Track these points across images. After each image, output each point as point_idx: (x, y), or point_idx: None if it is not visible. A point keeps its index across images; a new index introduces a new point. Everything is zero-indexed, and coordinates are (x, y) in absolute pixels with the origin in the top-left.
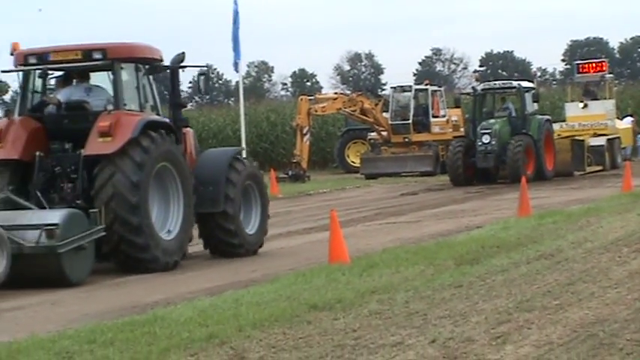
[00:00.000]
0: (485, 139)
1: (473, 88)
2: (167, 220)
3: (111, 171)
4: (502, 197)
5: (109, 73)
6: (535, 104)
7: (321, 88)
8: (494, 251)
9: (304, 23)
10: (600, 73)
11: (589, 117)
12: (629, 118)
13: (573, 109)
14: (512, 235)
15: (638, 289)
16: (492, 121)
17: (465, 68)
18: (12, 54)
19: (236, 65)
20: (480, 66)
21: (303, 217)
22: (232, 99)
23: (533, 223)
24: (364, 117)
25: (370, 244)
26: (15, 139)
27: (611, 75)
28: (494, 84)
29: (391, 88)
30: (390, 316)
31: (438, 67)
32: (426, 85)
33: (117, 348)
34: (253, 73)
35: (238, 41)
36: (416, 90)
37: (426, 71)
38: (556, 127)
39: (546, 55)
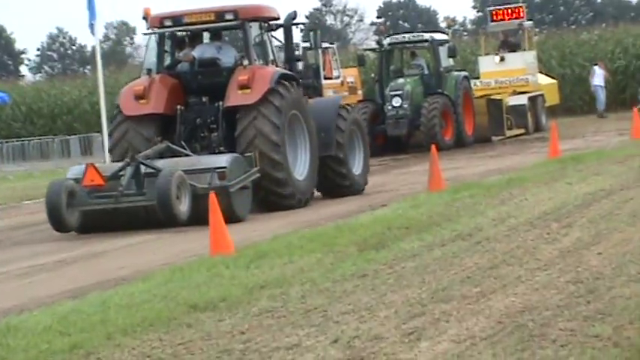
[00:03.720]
0: (396, 102)
1: (378, 42)
2: (296, 163)
3: (253, 115)
4: (410, 169)
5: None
6: (450, 59)
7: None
8: (403, 233)
9: None
10: (518, 21)
11: (507, 72)
12: (598, 70)
13: (488, 64)
14: (423, 214)
15: (570, 270)
16: (402, 80)
17: (361, 20)
18: (144, 18)
19: (91, 27)
20: (378, 17)
21: None
22: (88, 67)
23: (446, 198)
24: None
25: (257, 230)
26: (157, 95)
27: (530, 22)
28: (403, 37)
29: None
30: (284, 315)
31: (329, 20)
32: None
33: None
34: (112, 36)
35: None
36: (303, 48)
37: (316, 25)
38: None
39: (454, 2)
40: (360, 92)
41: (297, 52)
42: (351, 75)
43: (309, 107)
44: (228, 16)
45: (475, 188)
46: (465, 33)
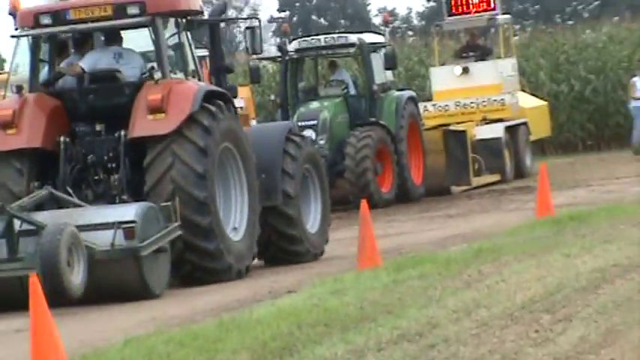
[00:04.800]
0: (307, 135)
1: (280, 48)
2: (230, 218)
3: (168, 161)
4: (330, 236)
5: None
6: (389, 72)
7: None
8: (321, 333)
9: None
10: (488, 14)
11: (473, 90)
12: (637, 79)
13: (445, 79)
14: (349, 304)
15: None
16: (316, 104)
17: (254, 16)
18: (11, 14)
19: None
20: (280, 10)
21: None
22: None
23: (385, 279)
24: None
25: (103, 330)
26: (32, 123)
27: (507, 16)
28: (318, 39)
29: (11, 63)
30: None
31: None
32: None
33: None
34: None
35: None
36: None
37: None
38: None
39: None
40: (253, 122)
41: (226, 60)
42: (240, 97)
43: (246, 137)
44: (132, 10)
45: (427, 264)
46: (411, 33)
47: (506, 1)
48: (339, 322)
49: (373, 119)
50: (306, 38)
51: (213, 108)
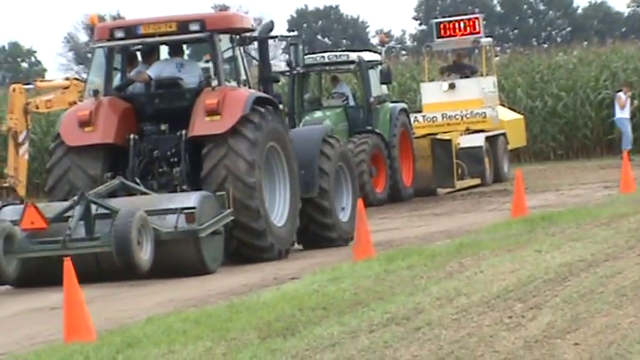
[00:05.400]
0: None
1: (289, 64)
2: (274, 206)
3: (223, 151)
4: None
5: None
6: (384, 87)
7: (45, 71)
8: (319, 315)
9: None
10: (473, 36)
11: (458, 104)
12: (623, 96)
13: (433, 93)
14: (345, 290)
15: None
16: (320, 114)
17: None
18: (90, 28)
19: None
20: (290, 30)
21: None
22: None
23: (377, 269)
24: None
25: (127, 310)
26: (106, 122)
27: (489, 39)
28: (322, 57)
29: (87, 71)
30: None
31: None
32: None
33: None
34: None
35: None
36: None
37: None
38: None
39: (390, 12)
40: None
41: (274, 71)
42: None
43: (289, 138)
44: (194, 27)
45: (415, 256)
46: (404, 52)
47: (488, 26)
48: (335, 306)
49: (369, 128)
50: (312, 55)
51: (262, 110)
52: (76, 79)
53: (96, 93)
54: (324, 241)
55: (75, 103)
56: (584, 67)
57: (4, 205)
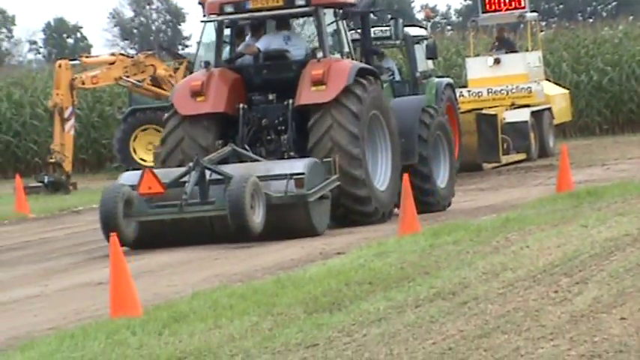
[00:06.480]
0: None
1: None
2: (377, 171)
3: (328, 123)
4: None
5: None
6: (430, 62)
7: (91, 47)
8: (366, 290)
9: None
10: (518, 11)
11: (503, 79)
12: None
13: (479, 68)
14: (391, 265)
15: (585, 340)
16: None
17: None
18: (200, 3)
19: None
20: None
21: (68, 247)
22: None
23: (423, 244)
24: (158, 89)
25: (174, 284)
26: (217, 92)
27: (534, 14)
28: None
29: (198, 43)
30: None
31: None
32: None
33: None
34: None
35: None
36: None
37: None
38: None
39: None
40: None
41: (374, 45)
42: None
43: (390, 107)
44: (299, 2)
45: (460, 231)
46: (449, 27)
47: (533, 0)
48: (381, 281)
49: None
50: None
51: (364, 81)
52: (121, 54)
53: (207, 65)
54: (424, 205)
55: (120, 78)
56: (630, 42)
57: (50, 182)
